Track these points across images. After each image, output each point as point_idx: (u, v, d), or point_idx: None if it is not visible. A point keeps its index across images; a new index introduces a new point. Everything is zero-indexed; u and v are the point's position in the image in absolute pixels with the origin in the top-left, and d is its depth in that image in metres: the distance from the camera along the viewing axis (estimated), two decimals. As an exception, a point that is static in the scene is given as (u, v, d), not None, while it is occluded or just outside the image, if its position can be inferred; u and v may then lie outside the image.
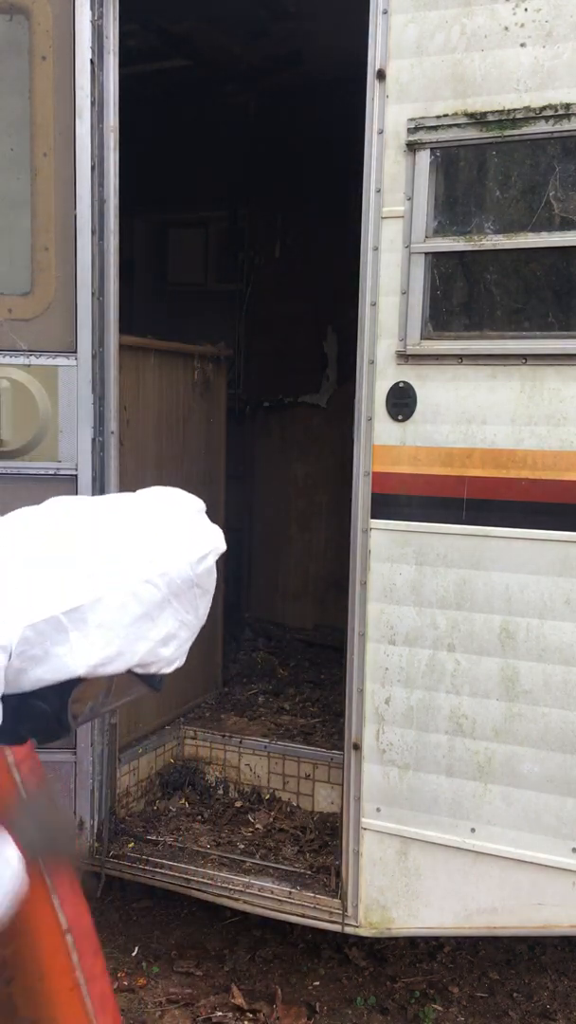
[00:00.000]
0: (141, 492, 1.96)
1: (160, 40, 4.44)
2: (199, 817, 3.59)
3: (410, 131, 2.65)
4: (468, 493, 2.72)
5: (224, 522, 4.44)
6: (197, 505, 1.91)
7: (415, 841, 2.86)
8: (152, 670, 1.80)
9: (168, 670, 1.83)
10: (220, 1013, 3.00)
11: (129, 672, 1.77)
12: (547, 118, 2.52)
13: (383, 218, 2.72)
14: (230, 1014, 3.00)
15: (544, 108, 2.52)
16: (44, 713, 1.69)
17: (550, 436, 2.62)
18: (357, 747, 2.91)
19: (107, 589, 1.68)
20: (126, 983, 3.14)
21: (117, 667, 1.70)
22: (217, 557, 1.84)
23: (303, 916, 3.04)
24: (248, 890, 3.11)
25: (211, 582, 1.85)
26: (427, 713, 2.81)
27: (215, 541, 1.84)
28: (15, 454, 3.02)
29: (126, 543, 1.76)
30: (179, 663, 1.84)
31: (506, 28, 2.54)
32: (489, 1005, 3.13)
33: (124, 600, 1.70)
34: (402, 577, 2.80)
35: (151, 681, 1.84)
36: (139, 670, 1.76)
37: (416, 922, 2.90)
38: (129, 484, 3.43)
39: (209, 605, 1.85)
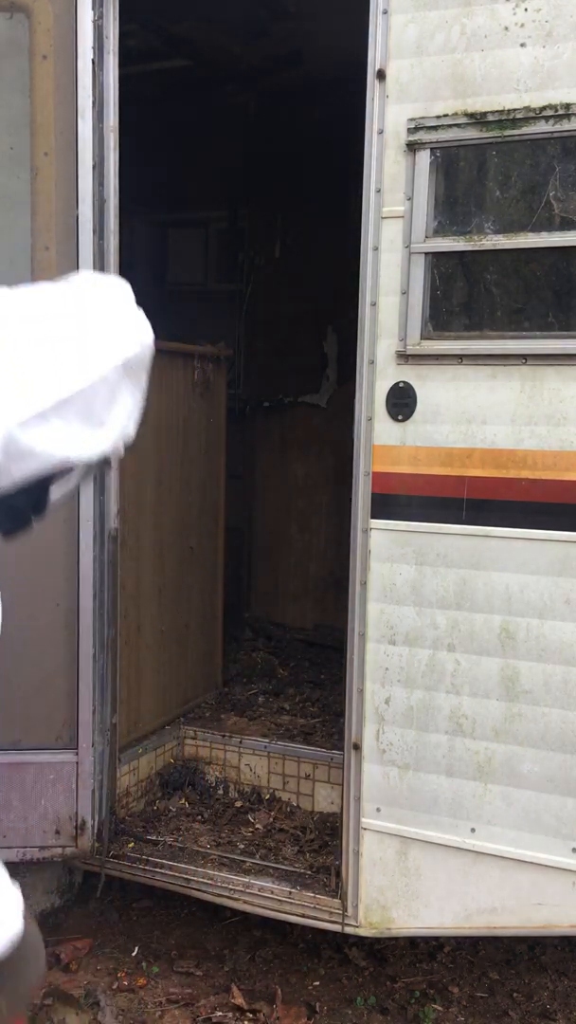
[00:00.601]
0: (71, 279, 1.97)
1: (160, 40, 4.44)
2: (199, 817, 3.59)
3: (410, 131, 2.65)
4: (468, 493, 2.72)
5: (224, 522, 4.45)
6: (128, 289, 2.00)
7: (415, 841, 2.86)
8: (119, 446, 1.89)
9: (123, 444, 1.90)
10: (220, 1013, 3.00)
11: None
12: (547, 118, 2.52)
13: (383, 218, 2.72)
14: (230, 1014, 3.00)
15: (544, 108, 2.52)
16: (17, 510, 1.77)
17: (550, 436, 2.62)
18: (357, 747, 2.91)
19: (85, 380, 1.76)
20: (126, 983, 3.14)
21: (100, 449, 1.82)
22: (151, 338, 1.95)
23: (303, 916, 3.04)
24: (248, 890, 3.11)
25: (148, 361, 1.95)
26: (427, 713, 2.81)
27: (147, 324, 1.94)
28: (15, 454, 3.02)
29: (86, 331, 1.83)
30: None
31: (506, 28, 2.54)
32: (489, 1005, 3.13)
33: (98, 387, 1.79)
34: (402, 577, 2.80)
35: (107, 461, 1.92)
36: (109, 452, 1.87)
37: (416, 922, 2.90)
38: (129, 484, 3.44)
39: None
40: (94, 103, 2.95)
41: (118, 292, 1.96)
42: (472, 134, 2.60)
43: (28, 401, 1.68)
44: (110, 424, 1.82)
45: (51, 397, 1.70)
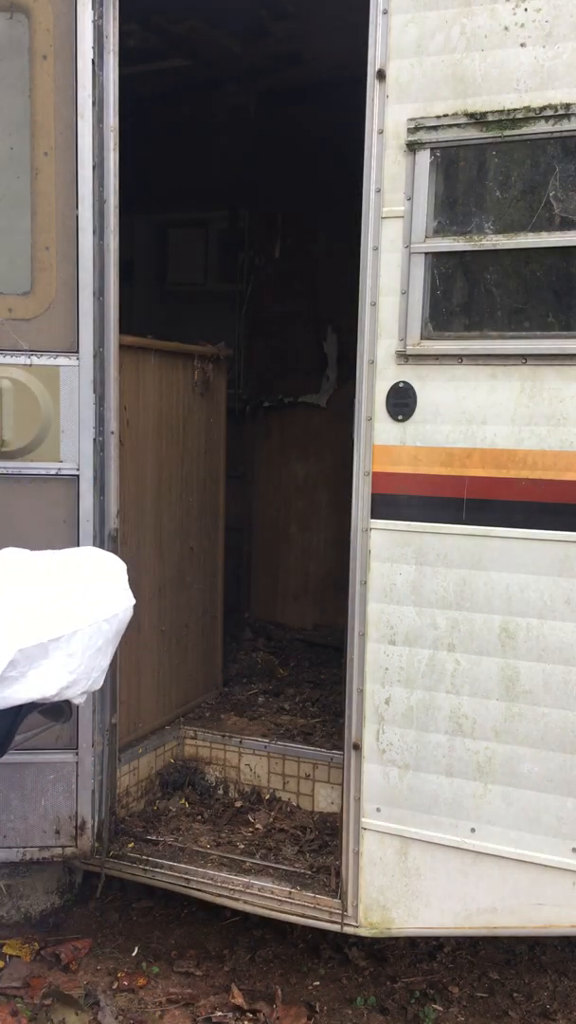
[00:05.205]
0: (78, 550, 2.51)
1: (160, 40, 4.45)
2: (199, 817, 3.59)
3: (410, 131, 2.65)
4: (468, 493, 2.72)
5: (224, 522, 4.45)
6: (123, 565, 2.46)
7: (415, 841, 2.86)
8: (85, 695, 2.26)
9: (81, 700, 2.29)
10: (220, 1013, 3.00)
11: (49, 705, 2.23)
12: (547, 118, 2.52)
13: (383, 218, 2.72)
14: (230, 1014, 3.00)
15: (544, 108, 2.52)
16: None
17: (550, 436, 2.62)
18: (357, 747, 2.91)
19: (83, 623, 2.10)
20: (126, 983, 3.14)
21: (75, 691, 2.15)
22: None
23: (303, 916, 3.04)
24: (248, 890, 3.11)
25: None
26: (427, 713, 2.81)
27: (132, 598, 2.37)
28: (17, 454, 3.02)
29: (88, 587, 2.19)
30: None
31: (506, 28, 2.54)
32: (489, 1005, 3.13)
33: (93, 633, 2.13)
34: (402, 577, 2.80)
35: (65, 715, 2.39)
36: (78, 699, 2.23)
37: (416, 922, 2.91)
38: (129, 484, 3.44)
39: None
40: (94, 103, 2.95)
41: (115, 564, 2.34)
42: (472, 134, 2.60)
43: (29, 630, 1.98)
44: (91, 671, 2.17)
45: (51, 631, 2.01)
